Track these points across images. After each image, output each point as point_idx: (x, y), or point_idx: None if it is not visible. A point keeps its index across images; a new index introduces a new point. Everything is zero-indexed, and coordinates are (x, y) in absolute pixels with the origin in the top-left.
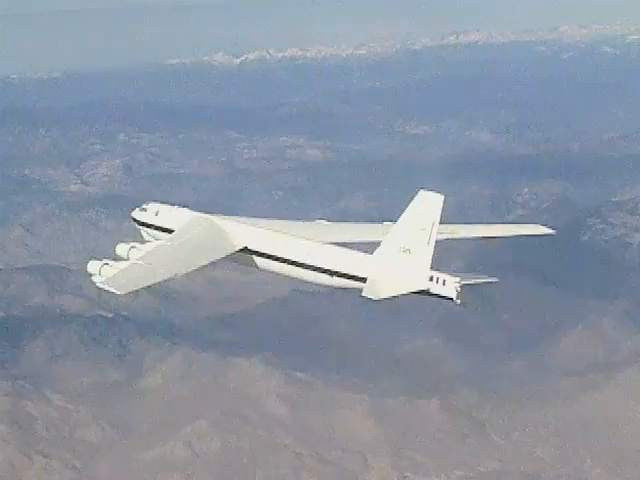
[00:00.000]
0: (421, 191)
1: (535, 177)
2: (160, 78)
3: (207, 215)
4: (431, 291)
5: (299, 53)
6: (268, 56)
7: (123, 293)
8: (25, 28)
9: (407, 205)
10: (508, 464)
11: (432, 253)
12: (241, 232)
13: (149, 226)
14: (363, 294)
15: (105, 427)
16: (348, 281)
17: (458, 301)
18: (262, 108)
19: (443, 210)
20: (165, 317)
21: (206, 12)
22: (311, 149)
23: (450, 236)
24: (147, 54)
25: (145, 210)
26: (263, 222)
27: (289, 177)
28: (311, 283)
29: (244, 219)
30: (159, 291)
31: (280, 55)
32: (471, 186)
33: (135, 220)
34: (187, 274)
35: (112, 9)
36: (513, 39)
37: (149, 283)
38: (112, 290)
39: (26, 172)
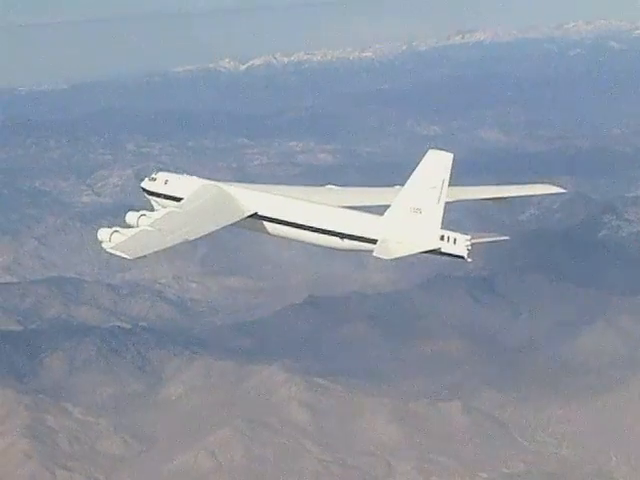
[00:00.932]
0: (430, 150)
1: (547, 175)
2: (167, 86)
3: (216, 182)
4: (442, 250)
5: (305, 57)
6: (274, 61)
7: (133, 257)
8: (30, 40)
9: None
10: (533, 465)
11: (443, 212)
12: (251, 198)
13: (158, 195)
14: (374, 254)
15: (127, 439)
16: (359, 243)
17: (469, 259)
18: (271, 113)
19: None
20: (183, 326)
21: (210, 19)
22: (322, 153)
23: (461, 197)
24: (153, 62)
25: (154, 180)
26: (272, 188)
27: (301, 182)
28: (322, 246)
29: (253, 186)
30: (175, 300)
31: (286, 60)
32: (479, 186)
33: (144, 190)
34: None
35: (116, 18)
36: (519, 37)
37: (159, 248)
38: (122, 255)
39: (37, 184)
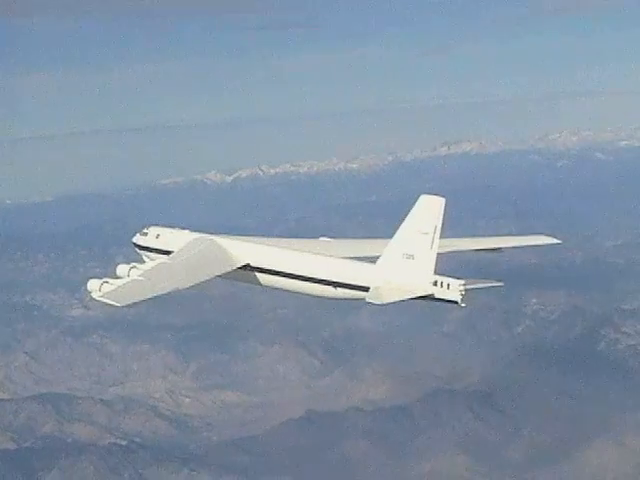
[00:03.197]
0: (422, 195)
1: (541, 287)
2: (154, 199)
3: (207, 235)
4: (435, 296)
5: (291, 169)
6: (261, 173)
7: (121, 305)
8: (15, 153)
9: None
10: None
11: (435, 257)
12: (242, 249)
13: (150, 250)
14: (367, 299)
15: None
16: (352, 291)
17: (463, 305)
18: (259, 226)
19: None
20: (179, 443)
21: (195, 131)
22: None
23: (455, 249)
24: (140, 175)
25: (146, 234)
26: (264, 240)
27: (290, 294)
28: (315, 296)
29: (246, 238)
30: (170, 416)
31: (273, 171)
32: (476, 298)
33: (136, 245)
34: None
35: (102, 131)
36: (505, 148)
37: (149, 296)
38: (111, 302)
39: (27, 299)
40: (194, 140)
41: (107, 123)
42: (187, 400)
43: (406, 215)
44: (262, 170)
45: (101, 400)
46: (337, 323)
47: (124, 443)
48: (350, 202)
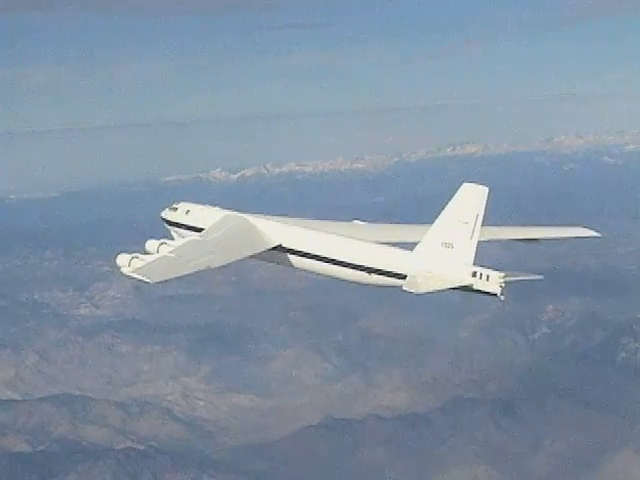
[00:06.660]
0: (464, 184)
1: (557, 293)
2: (159, 196)
3: (239, 213)
4: (474, 287)
5: (297, 168)
6: (266, 172)
7: (154, 282)
8: (18, 147)
9: None
10: None
11: (475, 248)
12: (275, 230)
13: (179, 226)
14: (404, 288)
15: None
16: (387, 278)
17: (502, 297)
18: None
19: None
20: (195, 447)
21: (200, 128)
22: None
23: (491, 237)
24: (143, 171)
25: (175, 210)
26: (297, 221)
27: (302, 296)
28: (347, 281)
29: (278, 218)
30: (184, 419)
31: (278, 170)
32: (491, 304)
33: (165, 220)
34: None
35: (105, 127)
36: (510, 150)
37: (181, 273)
38: (143, 278)
39: (35, 296)
40: (199, 137)
41: (112, 119)
42: (201, 403)
43: (409, 218)
44: (267, 169)
45: (116, 402)
46: (350, 327)
47: (141, 448)
48: (356, 203)
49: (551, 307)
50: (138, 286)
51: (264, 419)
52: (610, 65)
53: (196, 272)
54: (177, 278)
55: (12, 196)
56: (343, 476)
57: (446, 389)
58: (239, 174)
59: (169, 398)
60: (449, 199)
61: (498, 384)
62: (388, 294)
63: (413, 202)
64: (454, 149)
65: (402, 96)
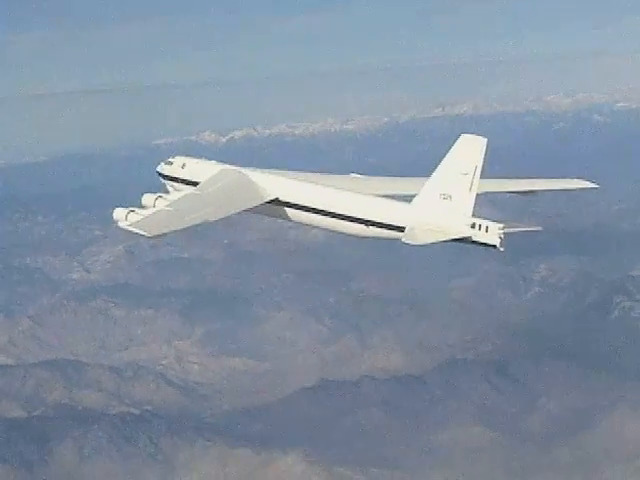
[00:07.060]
0: (462, 135)
1: (549, 252)
2: (150, 159)
3: (235, 167)
4: (473, 239)
5: (287, 130)
6: (255, 134)
7: (152, 235)
8: (5, 112)
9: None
10: None
11: (474, 199)
12: (271, 183)
13: (175, 179)
14: (402, 240)
15: None
16: (385, 231)
17: (501, 249)
18: None
19: None
20: (190, 411)
21: (189, 91)
22: (313, 229)
23: (489, 189)
24: (134, 135)
25: (171, 163)
26: (293, 174)
27: (295, 259)
28: (345, 234)
29: (274, 171)
30: (179, 383)
31: (268, 132)
32: (483, 265)
33: (160, 174)
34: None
35: (95, 91)
36: (500, 109)
37: (179, 227)
38: (140, 232)
39: (28, 261)
40: (188, 100)
41: (100, 82)
42: (195, 367)
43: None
44: (257, 131)
45: (110, 367)
46: (343, 289)
47: (136, 412)
48: (348, 164)
49: (543, 266)
50: (130, 250)
51: (258, 382)
52: (596, 23)
53: (193, 225)
54: (174, 232)
55: (1, 161)
56: (339, 438)
57: (440, 350)
58: (229, 136)
59: (163, 362)
60: (440, 159)
61: (492, 344)
62: (380, 255)
63: (404, 163)
64: (444, 109)
65: (390, 56)
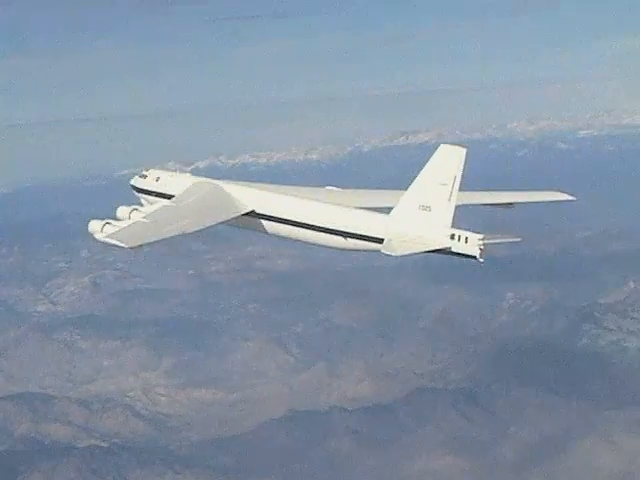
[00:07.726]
0: (442, 145)
1: (515, 280)
2: (113, 190)
3: (210, 179)
4: (452, 249)
5: (251, 159)
6: (219, 163)
7: (129, 246)
8: None
9: None
10: None
11: (454, 209)
12: (247, 195)
13: (149, 192)
14: (382, 251)
15: None
16: (363, 242)
17: (481, 260)
18: None
19: None
20: (159, 443)
21: (152, 121)
22: (280, 258)
23: (468, 202)
24: (96, 166)
25: (145, 177)
26: (270, 187)
27: (261, 289)
28: (323, 246)
29: (249, 184)
30: (147, 415)
31: (231, 162)
32: (451, 293)
33: (134, 187)
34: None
35: (55, 121)
36: (464, 137)
37: (157, 238)
38: (118, 243)
39: None
40: (150, 131)
41: (61, 113)
42: (163, 399)
43: None
44: (220, 161)
45: (77, 400)
46: (310, 318)
47: (105, 445)
48: None
49: (511, 294)
50: (96, 281)
51: (227, 413)
52: (558, 51)
53: (171, 237)
54: (150, 244)
55: None
56: (308, 469)
57: (409, 379)
58: (193, 166)
59: (130, 394)
60: (406, 183)
61: (461, 373)
62: (348, 284)
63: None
64: (407, 137)
65: (353, 84)
